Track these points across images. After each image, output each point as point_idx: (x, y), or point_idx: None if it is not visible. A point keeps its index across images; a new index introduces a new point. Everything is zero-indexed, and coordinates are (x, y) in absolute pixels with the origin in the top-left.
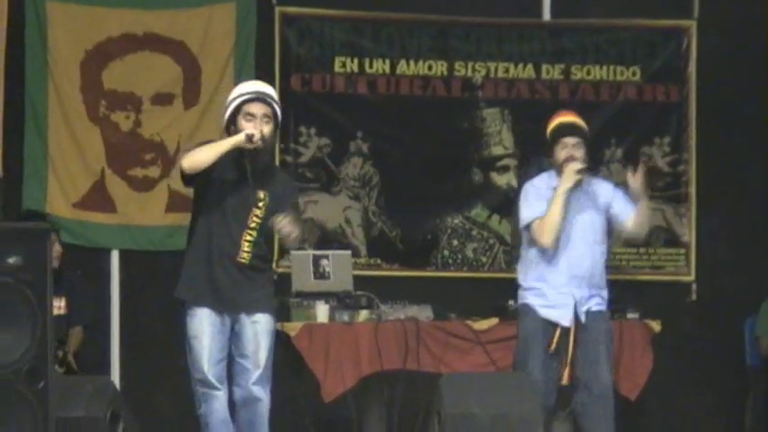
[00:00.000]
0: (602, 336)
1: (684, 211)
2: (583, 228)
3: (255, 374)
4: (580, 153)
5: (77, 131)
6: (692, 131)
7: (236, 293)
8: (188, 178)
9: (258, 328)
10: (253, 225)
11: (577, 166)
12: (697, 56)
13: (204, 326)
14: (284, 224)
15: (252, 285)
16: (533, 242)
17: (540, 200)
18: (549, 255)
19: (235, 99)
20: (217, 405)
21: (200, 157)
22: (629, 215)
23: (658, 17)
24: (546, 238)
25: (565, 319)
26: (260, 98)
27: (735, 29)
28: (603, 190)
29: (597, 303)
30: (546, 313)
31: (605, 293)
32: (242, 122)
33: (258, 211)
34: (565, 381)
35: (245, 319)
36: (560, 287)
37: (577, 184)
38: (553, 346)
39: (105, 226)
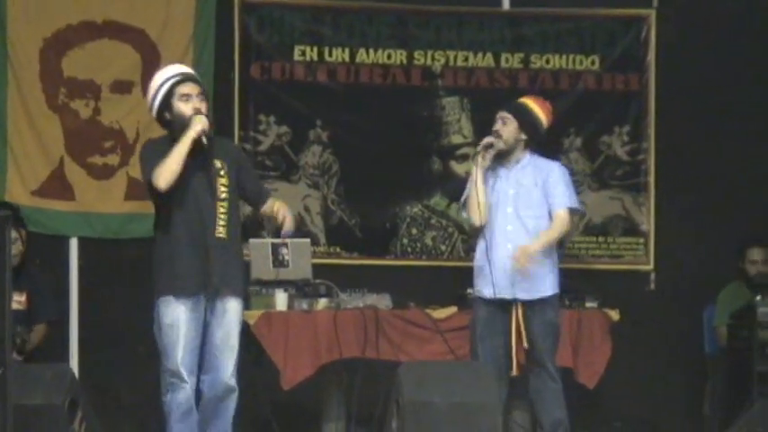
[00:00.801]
0: (543, 321)
1: (643, 200)
2: (515, 203)
3: (230, 366)
4: (505, 129)
5: (36, 119)
6: (651, 120)
7: (215, 272)
8: (164, 193)
9: (231, 318)
10: (223, 196)
11: (484, 140)
12: (656, 45)
13: (180, 313)
14: (278, 207)
15: (228, 262)
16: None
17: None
18: (487, 234)
19: (164, 84)
20: (183, 397)
21: (171, 171)
22: (556, 212)
23: (617, 6)
24: (472, 217)
25: (492, 292)
26: (189, 78)
27: (694, 18)
28: (545, 168)
29: (538, 287)
30: (489, 292)
31: (551, 275)
32: (179, 105)
33: (223, 180)
34: (515, 371)
35: (219, 306)
36: (498, 263)
37: (500, 158)
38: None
39: (64, 213)
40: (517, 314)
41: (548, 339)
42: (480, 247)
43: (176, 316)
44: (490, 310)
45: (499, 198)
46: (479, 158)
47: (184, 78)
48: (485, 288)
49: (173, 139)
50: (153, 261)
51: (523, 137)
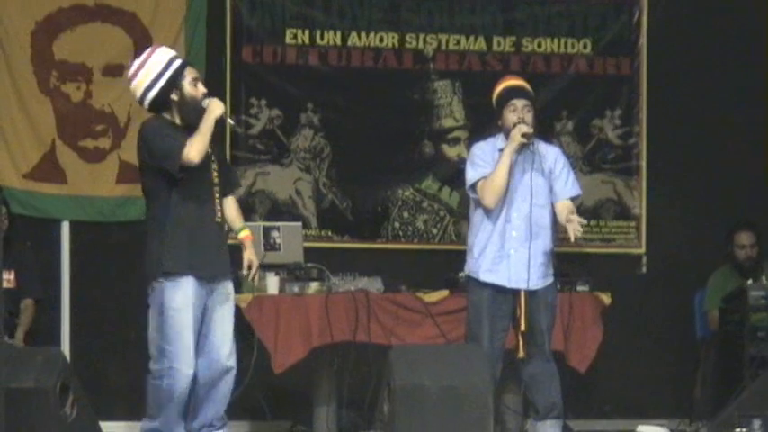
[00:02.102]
0: (546, 305)
1: (635, 183)
2: (524, 190)
3: (228, 347)
4: (529, 116)
5: (28, 102)
6: (642, 104)
7: (216, 256)
8: (185, 170)
9: (227, 299)
10: (216, 181)
11: (524, 129)
12: (648, 28)
13: (189, 297)
14: (253, 266)
15: (224, 245)
16: (478, 203)
17: (485, 161)
18: (493, 216)
19: (171, 64)
20: (185, 384)
21: (204, 146)
22: (562, 200)
23: None
24: (489, 199)
25: (508, 281)
26: (188, 62)
27: (685, 1)
28: (550, 154)
29: (543, 274)
30: (489, 278)
31: (549, 261)
32: (189, 87)
33: (214, 165)
34: (521, 354)
35: (217, 290)
36: (502, 249)
37: (523, 147)
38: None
39: (55, 197)
40: (526, 298)
41: (550, 323)
42: (486, 231)
43: (185, 299)
44: (495, 294)
45: (516, 188)
46: (515, 144)
47: (186, 61)
48: (497, 276)
49: (173, 121)
50: (151, 243)
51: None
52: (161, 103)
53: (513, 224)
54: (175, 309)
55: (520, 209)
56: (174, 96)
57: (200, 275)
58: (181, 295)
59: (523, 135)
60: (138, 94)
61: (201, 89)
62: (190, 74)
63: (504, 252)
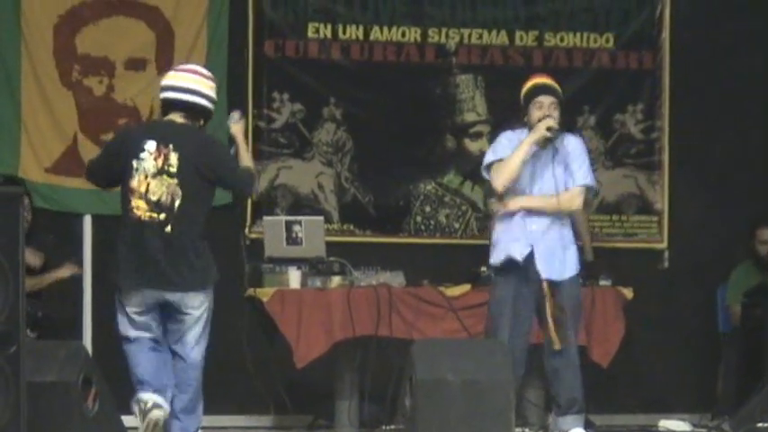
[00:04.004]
0: (569, 300)
1: (657, 178)
2: (546, 185)
3: None
4: (555, 114)
5: (50, 96)
6: (665, 99)
7: None
8: None
9: None
10: None
11: (550, 122)
12: (670, 23)
13: None
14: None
15: None
16: (491, 193)
17: (506, 147)
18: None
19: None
20: None
21: None
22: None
23: None
24: (498, 181)
25: (532, 273)
26: None
27: None
28: (570, 145)
29: (565, 267)
30: (510, 249)
31: (572, 254)
32: None
33: None
34: (557, 345)
35: None
36: (525, 241)
37: (547, 141)
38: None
39: (78, 190)
40: (551, 291)
41: (574, 316)
42: (508, 224)
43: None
44: (518, 287)
45: (537, 181)
46: (537, 135)
47: None
48: (519, 270)
49: None
50: (203, 254)
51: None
52: (202, 115)
53: (534, 218)
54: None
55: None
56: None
57: None
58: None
59: (548, 129)
60: (209, 92)
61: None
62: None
63: (525, 244)
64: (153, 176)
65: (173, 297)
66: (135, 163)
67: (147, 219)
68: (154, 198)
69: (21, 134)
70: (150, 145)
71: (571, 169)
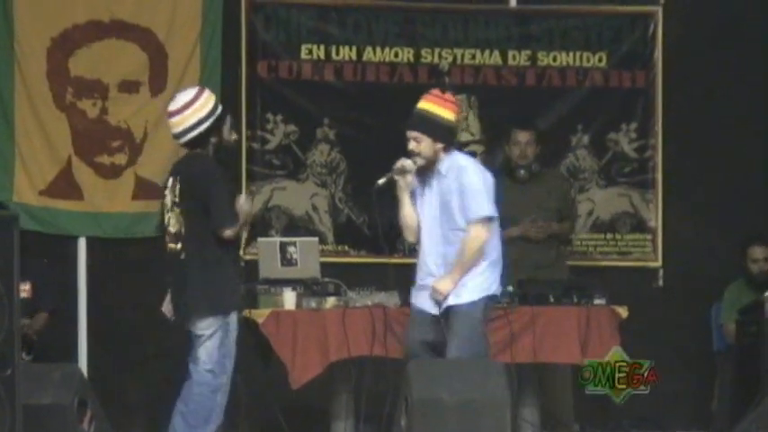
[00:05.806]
0: (454, 330)
1: (651, 196)
2: (429, 223)
3: None
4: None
5: (44, 119)
6: (658, 117)
7: None
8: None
9: None
10: None
11: (397, 164)
12: (663, 41)
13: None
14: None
15: None
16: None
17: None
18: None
19: (217, 108)
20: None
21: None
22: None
23: (624, 3)
24: (407, 237)
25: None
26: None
27: (700, 14)
28: (459, 173)
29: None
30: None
31: (471, 282)
32: (227, 134)
33: None
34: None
35: None
36: (421, 279)
37: (425, 171)
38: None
39: (72, 213)
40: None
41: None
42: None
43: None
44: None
45: (428, 211)
46: (400, 182)
47: (227, 110)
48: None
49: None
50: (214, 279)
51: (440, 145)
52: (199, 142)
53: (423, 259)
54: (235, 337)
55: (425, 243)
56: (213, 139)
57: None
58: (231, 330)
59: (399, 168)
60: (180, 128)
61: (234, 136)
62: (228, 120)
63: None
64: (169, 210)
65: (186, 320)
66: (164, 200)
67: (170, 251)
68: (173, 230)
69: (15, 157)
70: (169, 181)
71: (464, 205)
